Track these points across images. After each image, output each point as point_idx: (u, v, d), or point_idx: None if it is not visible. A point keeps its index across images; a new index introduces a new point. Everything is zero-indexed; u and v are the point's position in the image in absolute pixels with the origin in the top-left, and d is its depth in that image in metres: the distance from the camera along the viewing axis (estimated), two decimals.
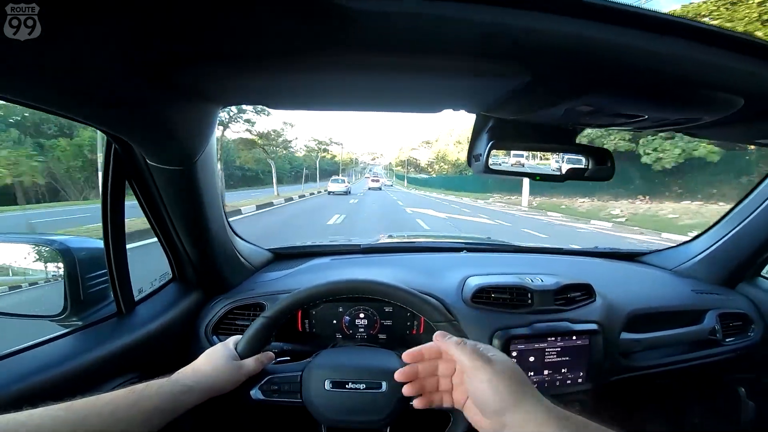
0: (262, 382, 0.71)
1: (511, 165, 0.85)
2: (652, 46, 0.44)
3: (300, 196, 21.85)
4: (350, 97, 0.66)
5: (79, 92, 0.49)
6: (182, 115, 0.63)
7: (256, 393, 0.70)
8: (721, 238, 1.29)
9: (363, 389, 0.70)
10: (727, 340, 1.19)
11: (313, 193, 25.75)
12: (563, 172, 0.85)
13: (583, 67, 0.49)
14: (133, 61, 0.45)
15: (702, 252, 1.35)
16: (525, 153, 0.96)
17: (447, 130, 65.97)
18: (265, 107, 0.69)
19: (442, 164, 63.97)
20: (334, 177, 31.93)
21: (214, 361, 0.67)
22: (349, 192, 26.40)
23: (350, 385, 0.71)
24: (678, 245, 1.49)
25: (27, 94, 0.49)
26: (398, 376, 0.59)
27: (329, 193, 25.66)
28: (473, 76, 0.53)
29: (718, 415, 1.37)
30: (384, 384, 0.71)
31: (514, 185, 24.29)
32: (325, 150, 52.43)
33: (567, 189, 17.99)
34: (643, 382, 1.18)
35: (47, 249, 0.85)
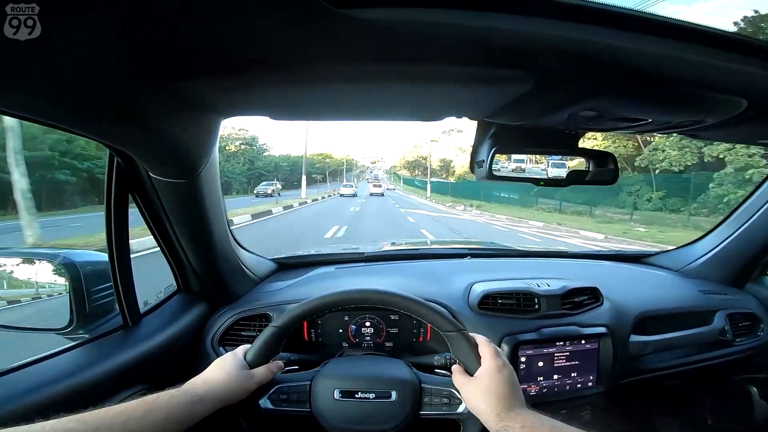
0: (271, 392, 0.70)
1: (512, 170, 0.86)
2: (655, 49, 0.44)
3: None
4: (353, 107, 0.66)
5: (80, 106, 0.49)
6: (184, 127, 0.63)
7: (265, 402, 0.70)
8: (726, 238, 1.29)
9: (372, 398, 0.70)
10: (737, 340, 1.18)
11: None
12: (549, 176, 0.85)
13: (586, 71, 0.49)
14: (133, 74, 0.45)
15: (708, 252, 1.35)
16: (524, 157, 0.97)
17: None
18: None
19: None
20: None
21: (225, 370, 0.67)
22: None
23: (359, 395, 0.70)
24: (683, 246, 1.48)
25: (28, 108, 0.49)
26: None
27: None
28: (477, 83, 0.53)
29: (730, 415, 1.36)
30: (394, 393, 0.70)
31: None
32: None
33: None
34: (654, 384, 1.17)
35: (52, 263, 0.85)
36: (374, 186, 34.88)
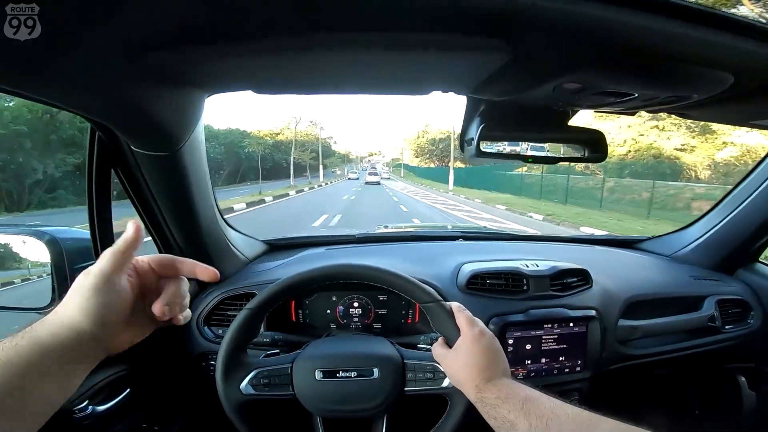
0: (252, 376, 0.69)
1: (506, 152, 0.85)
2: (634, 21, 0.43)
3: None
4: (337, 79, 0.65)
5: (59, 77, 0.48)
6: (166, 100, 0.61)
7: (246, 387, 0.68)
8: (718, 224, 1.28)
9: (354, 377, 0.69)
10: (726, 327, 1.17)
11: None
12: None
13: (565, 42, 0.48)
14: (114, 45, 0.44)
15: (699, 238, 1.34)
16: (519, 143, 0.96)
17: None
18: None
19: None
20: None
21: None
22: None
23: (341, 374, 0.69)
24: (675, 231, 1.48)
25: (6, 79, 0.47)
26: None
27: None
28: (454, 52, 0.52)
29: (718, 404, 1.37)
30: (376, 370, 0.69)
31: None
32: None
33: None
34: (642, 371, 1.17)
35: (34, 240, 0.84)
36: (369, 174, 36.19)
